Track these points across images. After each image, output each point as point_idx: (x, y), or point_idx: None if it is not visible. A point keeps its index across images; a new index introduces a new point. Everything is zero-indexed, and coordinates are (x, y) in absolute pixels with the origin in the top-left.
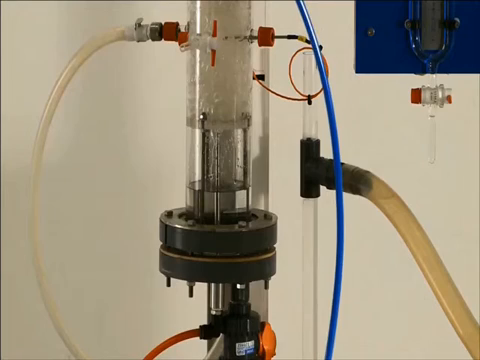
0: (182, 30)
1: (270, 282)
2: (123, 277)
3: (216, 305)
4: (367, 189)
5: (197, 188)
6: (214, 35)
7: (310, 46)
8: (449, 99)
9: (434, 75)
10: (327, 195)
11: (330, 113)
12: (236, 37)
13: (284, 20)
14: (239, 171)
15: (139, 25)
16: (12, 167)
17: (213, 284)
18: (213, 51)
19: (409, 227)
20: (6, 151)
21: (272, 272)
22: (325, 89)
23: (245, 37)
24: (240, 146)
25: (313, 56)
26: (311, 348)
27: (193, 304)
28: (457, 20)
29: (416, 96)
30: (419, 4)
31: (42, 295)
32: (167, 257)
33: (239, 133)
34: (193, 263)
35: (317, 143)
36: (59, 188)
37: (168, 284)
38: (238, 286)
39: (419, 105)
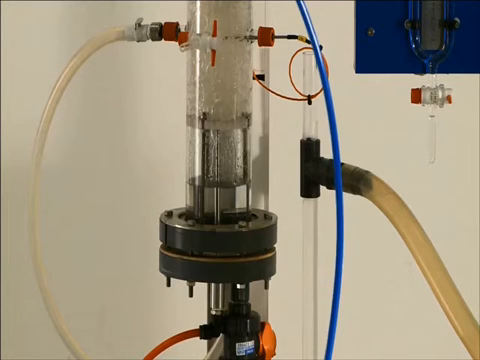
0: (182, 30)
1: (270, 282)
2: (123, 277)
3: (216, 305)
4: (367, 189)
5: (197, 188)
6: (214, 35)
7: (310, 46)
8: (449, 99)
9: (434, 75)
10: (327, 195)
11: (330, 113)
12: (236, 37)
13: (284, 20)
14: (239, 171)
15: (139, 25)
16: (12, 167)
17: (213, 284)
18: (213, 51)
19: (409, 227)
20: (6, 151)
21: (272, 272)
22: (325, 89)
23: (245, 37)
24: (240, 146)
25: (313, 56)
26: (311, 348)
27: (193, 304)
28: (457, 20)
29: (416, 96)
30: (419, 4)
31: (42, 295)
32: (167, 257)
33: (239, 133)
34: (193, 263)
35: (317, 143)
36: (59, 188)
37: (168, 284)
38: (238, 286)
39: (419, 105)
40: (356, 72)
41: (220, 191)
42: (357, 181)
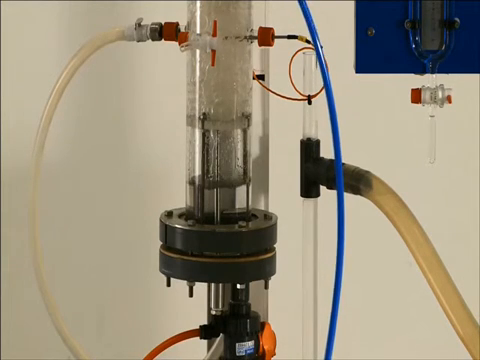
0: (182, 30)
1: (270, 282)
2: (123, 277)
3: (216, 305)
4: (367, 189)
5: (197, 188)
6: (214, 35)
7: (310, 46)
8: (449, 99)
9: (434, 75)
10: (327, 195)
11: (332, 113)
12: (236, 37)
13: (284, 20)
14: (239, 171)
15: (139, 25)
16: (12, 167)
17: (213, 284)
18: (213, 51)
19: (409, 227)
20: (6, 151)
21: (272, 272)
22: (327, 89)
23: (245, 37)
24: (240, 146)
25: (313, 56)
26: (311, 348)
27: (193, 304)
28: (457, 20)
29: (416, 96)
30: (419, 4)
31: (42, 295)
32: (167, 257)
33: (239, 133)
34: (193, 263)
35: (317, 143)
36: (59, 188)
37: (168, 284)
38: (238, 286)
39: (419, 105)
40: (356, 72)
41: (220, 191)
42: (357, 181)
